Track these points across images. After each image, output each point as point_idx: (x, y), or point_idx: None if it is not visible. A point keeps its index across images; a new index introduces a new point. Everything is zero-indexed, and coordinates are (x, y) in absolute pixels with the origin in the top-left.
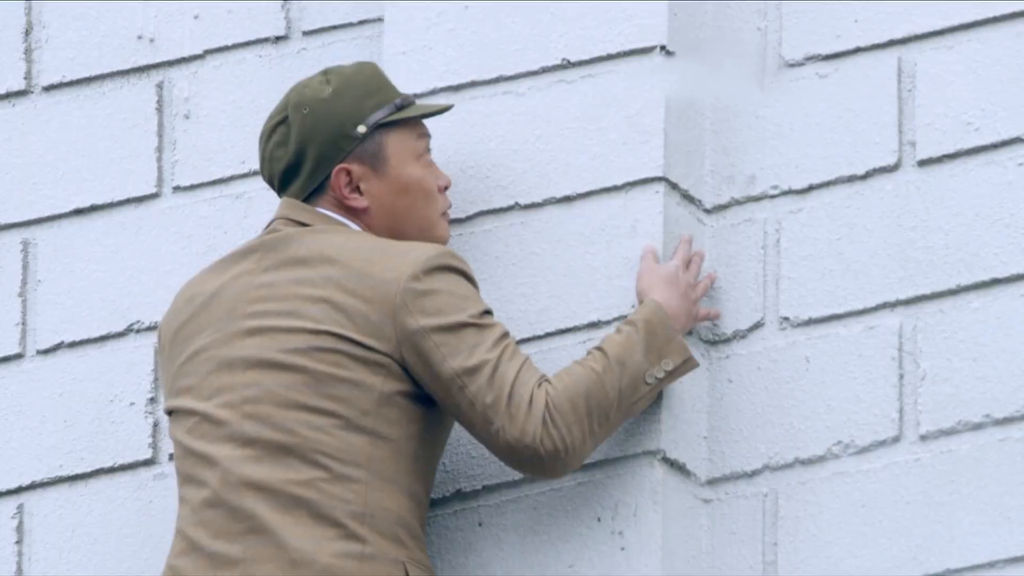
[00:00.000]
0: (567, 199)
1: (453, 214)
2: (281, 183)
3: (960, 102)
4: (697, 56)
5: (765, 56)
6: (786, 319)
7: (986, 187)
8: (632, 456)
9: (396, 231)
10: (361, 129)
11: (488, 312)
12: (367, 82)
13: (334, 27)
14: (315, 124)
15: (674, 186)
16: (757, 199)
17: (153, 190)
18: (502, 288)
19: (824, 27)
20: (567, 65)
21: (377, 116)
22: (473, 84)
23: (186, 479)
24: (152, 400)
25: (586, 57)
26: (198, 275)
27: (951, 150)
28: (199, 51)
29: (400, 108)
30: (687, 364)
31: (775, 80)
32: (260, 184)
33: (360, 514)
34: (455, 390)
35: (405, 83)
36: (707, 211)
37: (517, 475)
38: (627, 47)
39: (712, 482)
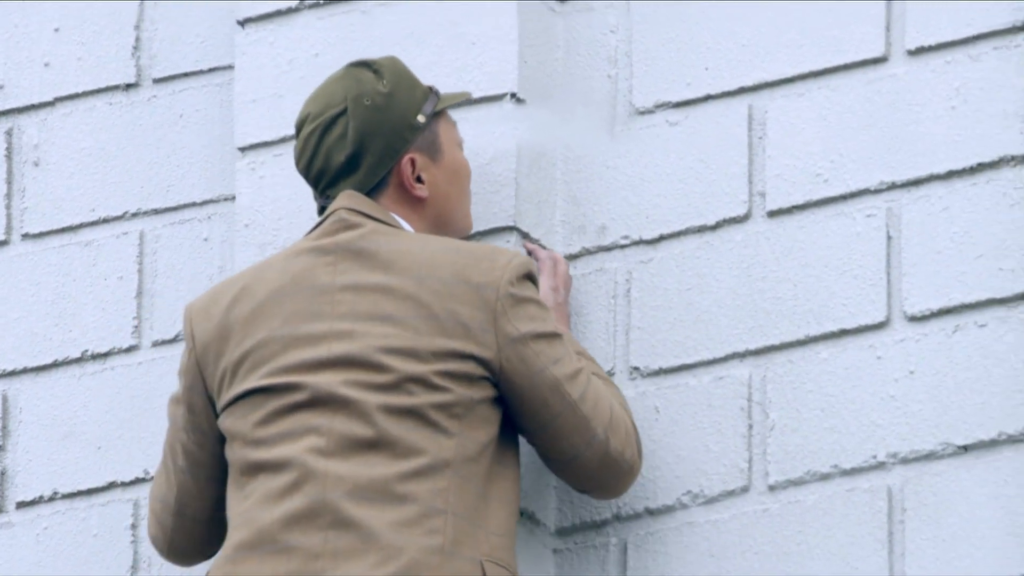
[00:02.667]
0: None
1: None
2: (335, 177)
3: (810, 152)
4: (548, 104)
5: (616, 104)
6: (636, 369)
7: (835, 238)
8: None
9: (444, 221)
10: (421, 119)
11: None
12: (408, 74)
13: (185, 74)
14: (379, 115)
15: (525, 235)
16: (608, 249)
17: (2, 237)
18: None
19: (674, 74)
20: None
21: (429, 106)
22: None
23: (252, 469)
24: (0, 448)
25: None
26: (247, 271)
27: (800, 201)
28: (49, 98)
29: (439, 97)
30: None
31: (626, 128)
32: (110, 231)
33: (443, 511)
34: (557, 396)
35: (255, 131)
36: None
37: None
38: (477, 94)
39: (561, 532)
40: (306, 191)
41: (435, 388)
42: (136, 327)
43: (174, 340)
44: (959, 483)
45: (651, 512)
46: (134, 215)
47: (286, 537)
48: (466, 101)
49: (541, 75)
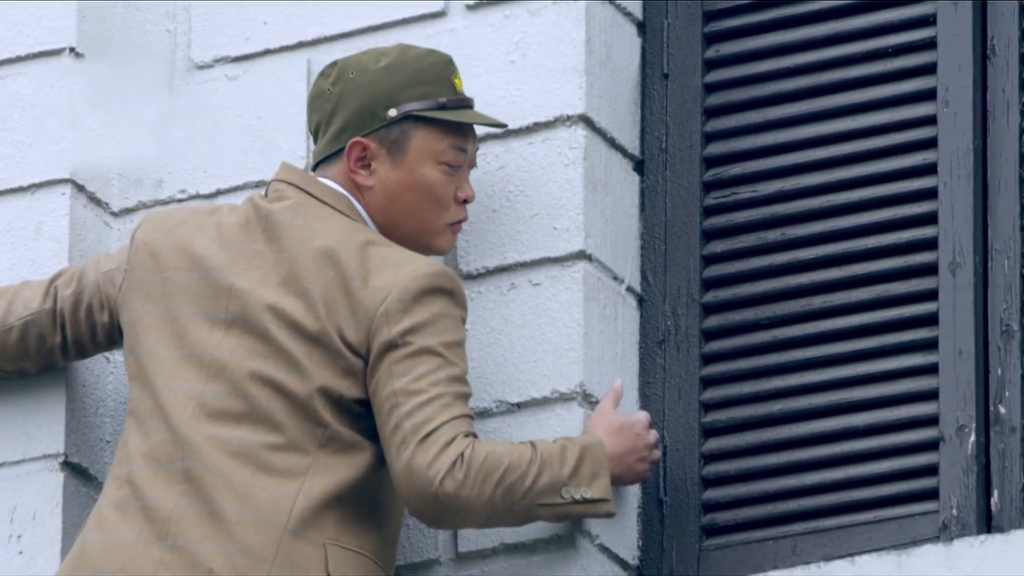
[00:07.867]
0: None
1: None
2: (314, 136)
3: None
4: (107, 58)
5: (174, 58)
6: None
7: None
8: (32, 459)
9: (392, 223)
10: (392, 112)
11: (460, 344)
12: (424, 71)
13: None
14: (353, 91)
15: (81, 188)
16: (165, 203)
17: None
18: None
19: (233, 29)
20: None
21: (413, 106)
22: None
23: (134, 413)
24: None
25: None
26: (202, 207)
27: None
28: None
29: (443, 108)
30: (602, 505)
31: (184, 83)
32: None
33: (294, 492)
34: (388, 408)
35: None
36: (114, 214)
37: None
38: (36, 49)
39: None
40: None
41: (310, 373)
42: None
43: None
44: (512, 440)
45: None
46: None
47: (146, 495)
48: (484, 123)
49: (100, 30)
